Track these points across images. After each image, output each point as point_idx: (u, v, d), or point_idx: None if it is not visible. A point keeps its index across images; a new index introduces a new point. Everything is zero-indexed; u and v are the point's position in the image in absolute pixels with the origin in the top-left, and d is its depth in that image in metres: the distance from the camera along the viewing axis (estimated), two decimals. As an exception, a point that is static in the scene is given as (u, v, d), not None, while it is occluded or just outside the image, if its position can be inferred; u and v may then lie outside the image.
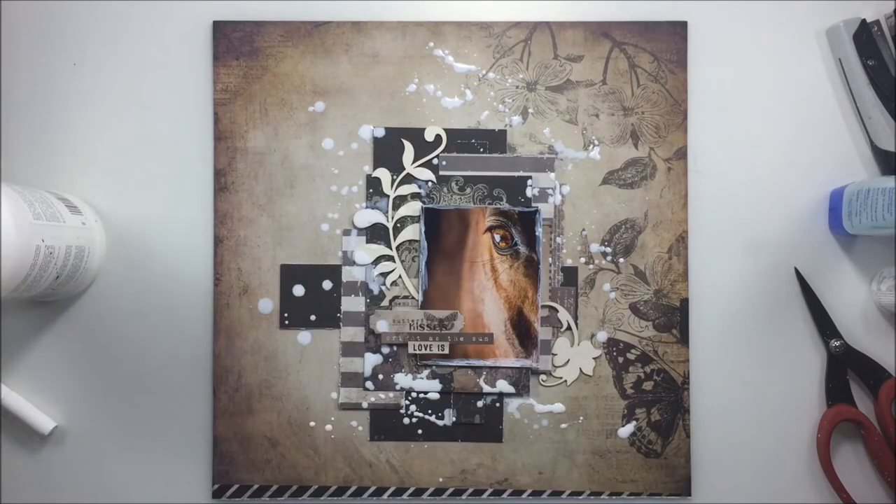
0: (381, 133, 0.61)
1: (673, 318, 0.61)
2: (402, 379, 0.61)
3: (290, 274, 0.61)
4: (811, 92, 0.62)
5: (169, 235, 0.62)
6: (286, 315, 0.61)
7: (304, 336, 0.61)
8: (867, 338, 0.60)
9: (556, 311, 0.61)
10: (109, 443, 0.61)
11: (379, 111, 0.61)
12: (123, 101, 0.62)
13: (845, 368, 0.61)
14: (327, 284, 0.61)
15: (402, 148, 0.61)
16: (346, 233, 0.61)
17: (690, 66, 0.61)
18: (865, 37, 0.60)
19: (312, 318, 0.61)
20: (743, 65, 0.62)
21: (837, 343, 0.61)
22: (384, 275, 0.61)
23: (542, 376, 0.61)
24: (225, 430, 0.60)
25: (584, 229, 0.61)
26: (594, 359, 0.61)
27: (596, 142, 0.61)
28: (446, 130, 0.61)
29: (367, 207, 0.61)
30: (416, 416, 0.61)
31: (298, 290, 0.61)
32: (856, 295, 0.62)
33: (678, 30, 0.61)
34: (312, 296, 0.61)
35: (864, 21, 0.60)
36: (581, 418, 0.61)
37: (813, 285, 0.61)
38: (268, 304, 0.61)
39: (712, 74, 0.62)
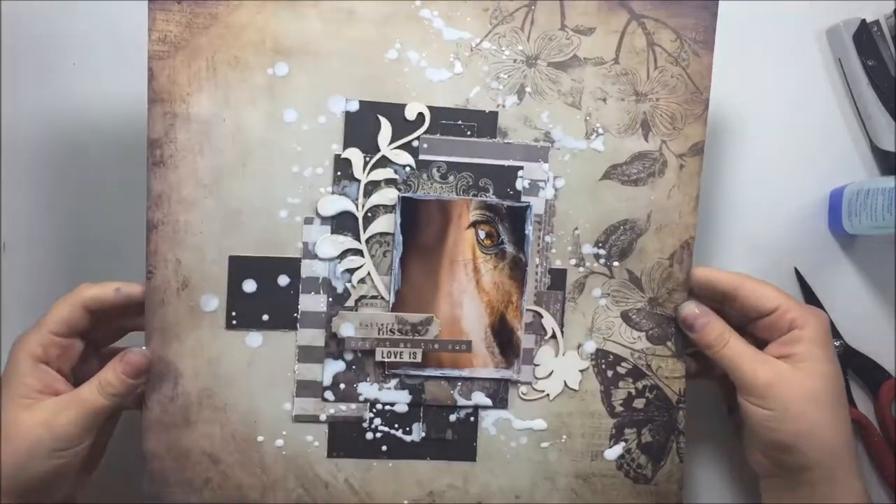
0: (354, 107, 0.52)
1: (668, 329, 0.55)
2: (367, 389, 0.53)
3: (239, 267, 0.52)
4: (811, 92, 0.62)
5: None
6: (234, 314, 0.52)
7: (255, 338, 0.52)
8: (867, 338, 0.61)
9: (541, 316, 0.54)
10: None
11: (352, 80, 0.51)
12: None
13: (845, 368, 0.61)
14: (283, 280, 0.52)
15: (378, 126, 0.52)
16: (308, 221, 0.52)
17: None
18: (865, 37, 0.60)
19: (265, 318, 0.52)
20: (742, 65, 0.61)
21: (837, 343, 0.61)
22: (350, 271, 0.53)
23: (523, 389, 0.55)
24: (157, 445, 0.52)
25: (576, 228, 0.54)
26: (581, 371, 0.55)
27: (600, 130, 0.54)
28: (430, 108, 0.52)
29: (333, 193, 0.52)
30: (380, 431, 0.54)
31: (249, 286, 0.52)
32: (856, 295, 0.62)
33: (709, 6, 0.53)
34: (265, 292, 0.52)
35: (864, 21, 0.60)
36: (564, 437, 0.55)
37: (813, 285, 0.61)
38: (212, 301, 0.52)
39: (715, 66, 0.56)
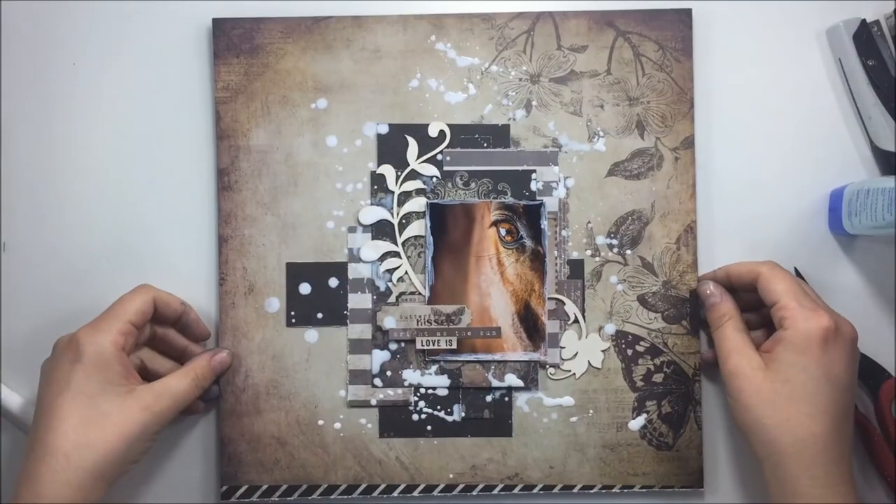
0: (384, 130, 0.61)
1: (682, 309, 0.60)
2: (411, 375, 0.60)
3: (296, 272, 0.60)
4: (811, 92, 0.62)
5: (172, 235, 0.61)
6: (293, 313, 0.60)
7: (311, 334, 0.60)
8: (867, 338, 0.59)
9: (563, 303, 0.61)
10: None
11: (382, 107, 0.61)
12: (124, 101, 0.61)
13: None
14: (333, 282, 0.60)
15: (406, 144, 0.61)
16: (352, 230, 0.61)
17: (696, 54, 0.61)
18: (865, 37, 0.60)
19: (319, 315, 0.60)
20: (742, 65, 0.62)
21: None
22: (390, 271, 0.61)
23: (551, 370, 0.60)
24: (232, 430, 0.60)
25: (589, 222, 0.61)
26: (603, 351, 0.60)
27: (601, 133, 0.61)
28: (450, 126, 0.60)
29: (372, 204, 0.61)
30: (424, 413, 0.60)
31: (305, 288, 0.60)
32: (856, 295, 0.61)
33: (683, 17, 0.60)
34: (319, 293, 0.60)
35: (864, 21, 0.60)
36: (591, 411, 0.60)
37: (813, 285, 0.60)
38: (274, 303, 0.60)
39: (715, 66, 0.62)
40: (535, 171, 0.61)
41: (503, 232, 0.60)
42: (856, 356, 0.54)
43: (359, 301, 0.60)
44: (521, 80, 0.61)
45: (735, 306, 0.57)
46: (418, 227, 0.60)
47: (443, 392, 0.60)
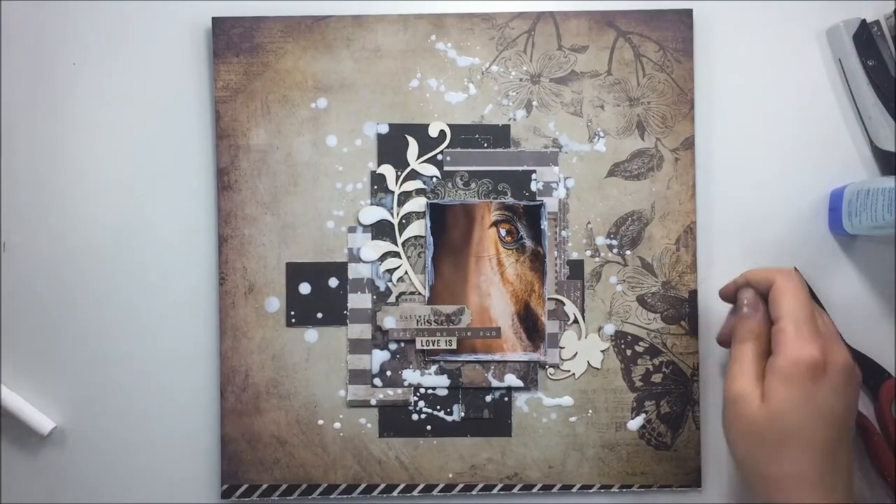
0: (384, 129, 0.61)
1: (681, 309, 0.60)
2: (410, 375, 0.60)
3: (295, 272, 0.60)
4: (811, 92, 0.62)
5: (171, 235, 0.61)
6: (293, 313, 0.60)
7: (311, 334, 0.61)
8: (867, 338, 0.60)
9: (563, 304, 0.61)
10: (112, 444, 0.61)
11: (382, 107, 0.60)
12: (124, 101, 0.61)
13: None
14: (333, 282, 0.61)
15: (407, 144, 0.61)
16: (352, 230, 0.61)
17: (697, 55, 0.61)
18: (865, 37, 0.60)
19: (319, 315, 0.60)
20: (742, 65, 0.62)
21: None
22: (390, 271, 0.61)
23: (550, 370, 0.60)
24: (233, 430, 0.60)
25: (589, 222, 0.61)
26: (602, 351, 0.61)
27: (601, 133, 0.61)
28: (450, 126, 0.60)
29: (372, 204, 0.61)
30: (424, 413, 0.60)
31: (305, 288, 0.60)
32: (856, 295, 0.61)
33: (684, 18, 0.60)
34: (319, 293, 0.60)
35: (864, 21, 0.60)
36: (590, 411, 0.60)
37: (813, 285, 0.60)
38: (274, 303, 0.60)
39: (715, 66, 0.61)
40: (535, 171, 0.61)
41: (503, 232, 0.60)
42: (851, 385, 0.51)
43: (359, 301, 0.60)
44: (521, 80, 0.61)
45: (765, 327, 0.53)
46: (418, 227, 0.60)
47: (442, 392, 0.60)
